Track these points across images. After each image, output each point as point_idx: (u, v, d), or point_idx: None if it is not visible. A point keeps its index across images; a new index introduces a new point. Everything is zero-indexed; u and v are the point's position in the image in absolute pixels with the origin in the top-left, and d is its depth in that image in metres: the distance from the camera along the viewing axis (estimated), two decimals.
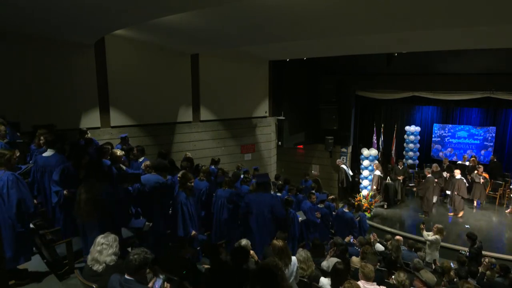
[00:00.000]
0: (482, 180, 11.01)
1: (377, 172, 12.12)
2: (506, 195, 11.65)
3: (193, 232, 5.07)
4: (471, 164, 12.11)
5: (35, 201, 4.53)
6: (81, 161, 4.71)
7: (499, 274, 5.97)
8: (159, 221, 4.90)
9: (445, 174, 11.71)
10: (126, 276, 2.79)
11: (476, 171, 11.23)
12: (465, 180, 10.87)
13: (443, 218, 10.84)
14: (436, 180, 11.07)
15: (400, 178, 12.03)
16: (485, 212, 11.24)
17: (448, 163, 11.78)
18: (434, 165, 11.73)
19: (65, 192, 4.49)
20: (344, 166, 12.89)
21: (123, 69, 9.46)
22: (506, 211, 11.08)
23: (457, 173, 10.88)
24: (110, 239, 3.12)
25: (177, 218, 5.00)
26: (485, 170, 11.39)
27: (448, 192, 11.35)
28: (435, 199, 11.35)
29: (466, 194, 10.89)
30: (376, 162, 12.66)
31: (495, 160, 12.37)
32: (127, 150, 7.12)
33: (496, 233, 9.94)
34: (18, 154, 5.06)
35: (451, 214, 11.06)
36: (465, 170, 11.66)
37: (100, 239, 3.12)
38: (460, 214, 10.92)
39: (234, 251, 3.71)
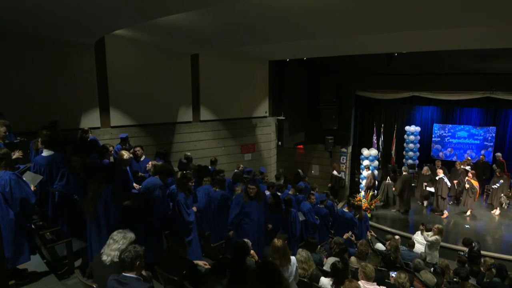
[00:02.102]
0: (467, 186, 10.69)
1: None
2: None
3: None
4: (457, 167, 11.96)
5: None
6: (72, 164, 4.78)
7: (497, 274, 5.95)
8: (157, 222, 4.88)
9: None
10: (124, 273, 2.79)
11: (466, 176, 11.04)
12: (445, 180, 10.73)
13: (442, 218, 10.83)
14: (425, 183, 11.14)
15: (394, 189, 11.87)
16: (484, 212, 11.24)
17: (440, 165, 11.53)
18: (425, 168, 11.61)
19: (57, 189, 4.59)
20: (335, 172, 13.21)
21: (123, 69, 9.44)
22: (495, 213, 10.93)
23: (440, 173, 10.82)
24: (120, 236, 3.11)
25: (177, 219, 4.99)
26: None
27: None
28: (425, 203, 11.78)
29: (446, 194, 10.82)
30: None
31: (484, 160, 12.34)
32: (127, 150, 7.10)
33: (495, 233, 9.93)
34: (21, 154, 5.07)
35: (438, 214, 11.02)
36: (448, 171, 11.60)
37: (113, 233, 3.15)
38: (444, 215, 10.83)
39: (234, 246, 3.75)
